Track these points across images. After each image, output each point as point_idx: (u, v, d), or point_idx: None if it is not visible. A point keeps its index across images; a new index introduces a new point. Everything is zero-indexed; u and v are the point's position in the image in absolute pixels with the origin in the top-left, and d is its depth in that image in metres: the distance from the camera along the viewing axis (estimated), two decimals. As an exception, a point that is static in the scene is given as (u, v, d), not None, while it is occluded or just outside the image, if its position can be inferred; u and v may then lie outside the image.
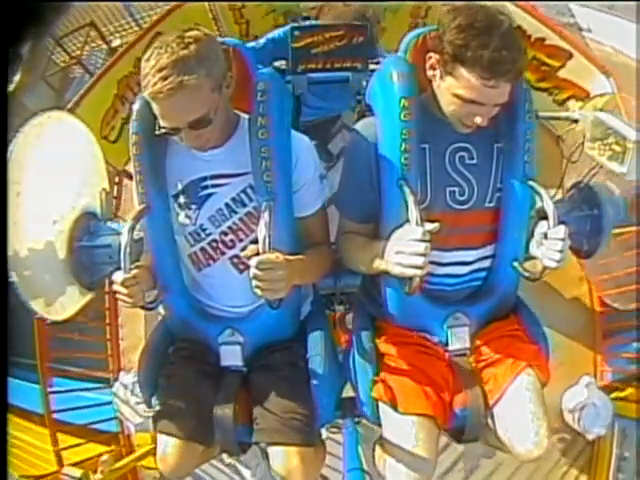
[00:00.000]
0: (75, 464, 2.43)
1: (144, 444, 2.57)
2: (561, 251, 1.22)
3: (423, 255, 1.12)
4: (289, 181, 1.29)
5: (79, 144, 1.81)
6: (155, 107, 1.17)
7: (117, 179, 3.05)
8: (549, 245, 1.24)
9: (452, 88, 1.20)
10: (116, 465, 2.39)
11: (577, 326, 2.85)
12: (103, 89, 3.10)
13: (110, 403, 2.61)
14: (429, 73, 1.25)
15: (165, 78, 1.12)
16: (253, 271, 1.14)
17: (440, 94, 1.25)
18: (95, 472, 2.31)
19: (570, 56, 2.97)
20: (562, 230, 1.22)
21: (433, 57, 1.22)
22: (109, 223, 1.75)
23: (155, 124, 1.24)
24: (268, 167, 1.26)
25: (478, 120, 1.21)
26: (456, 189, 1.31)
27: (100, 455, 2.49)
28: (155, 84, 1.12)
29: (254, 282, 1.15)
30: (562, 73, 3.01)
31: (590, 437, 2.51)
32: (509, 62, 1.14)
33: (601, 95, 2.67)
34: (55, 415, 2.63)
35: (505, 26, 1.16)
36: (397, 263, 1.16)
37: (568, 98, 3.03)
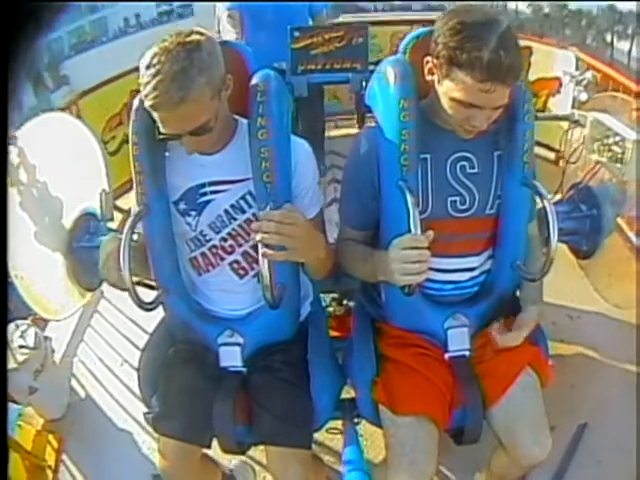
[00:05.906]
0: None
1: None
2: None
3: (419, 262, 1.12)
4: (289, 182, 1.28)
5: (80, 145, 1.81)
6: (155, 115, 1.15)
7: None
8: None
9: (449, 92, 1.17)
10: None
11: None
12: (113, 93, 3.04)
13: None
14: (428, 78, 1.23)
15: (166, 92, 1.08)
16: (274, 226, 1.09)
17: (440, 99, 1.22)
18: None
19: (530, 52, 2.97)
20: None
21: (430, 62, 1.20)
22: (109, 224, 1.75)
23: (155, 125, 1.24)
24: (268, 168, 1.25)
25: (477, 124, 1.18)
26: (457, 198, 1.30)
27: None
28: (155, 97, 1.09)
29: (272, 238, 1.09)
30: (532, 74, 2.98)
31: None
32: (506, 65, 1.10)
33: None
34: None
35: (503, 27, 1.12)
36: (395, 271, 1.14)
37: (546, 99, 3.05)
